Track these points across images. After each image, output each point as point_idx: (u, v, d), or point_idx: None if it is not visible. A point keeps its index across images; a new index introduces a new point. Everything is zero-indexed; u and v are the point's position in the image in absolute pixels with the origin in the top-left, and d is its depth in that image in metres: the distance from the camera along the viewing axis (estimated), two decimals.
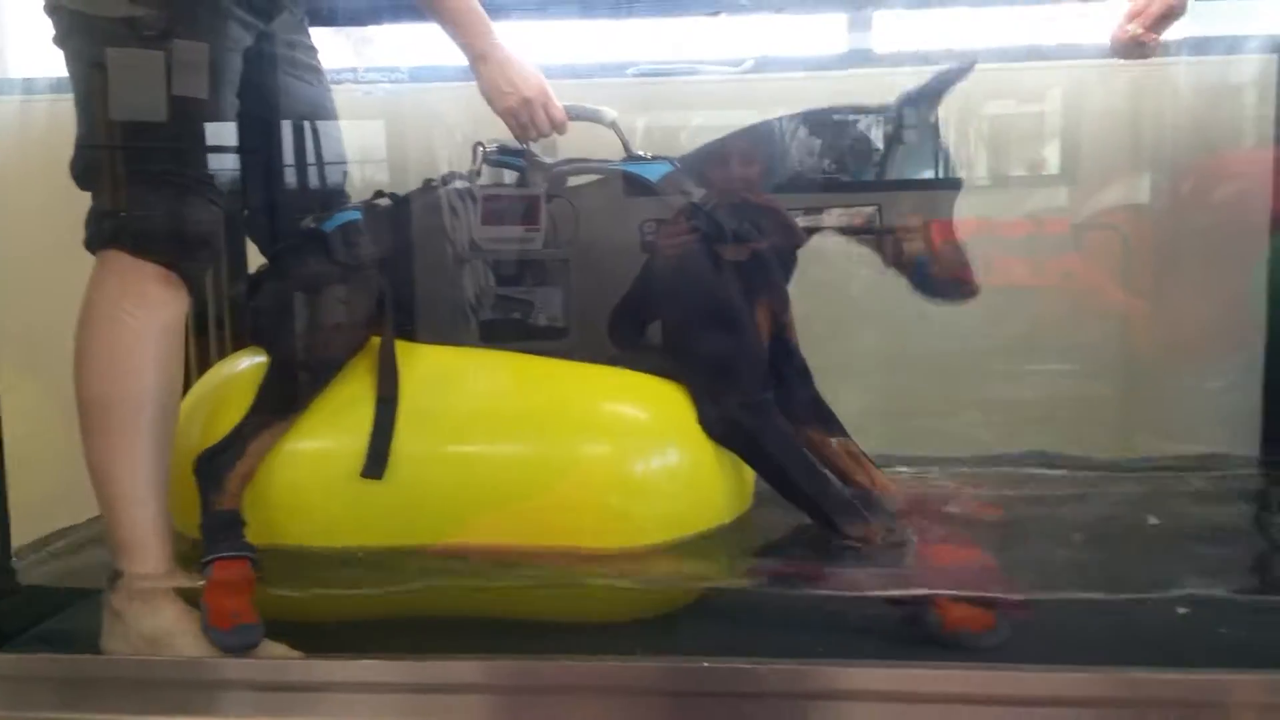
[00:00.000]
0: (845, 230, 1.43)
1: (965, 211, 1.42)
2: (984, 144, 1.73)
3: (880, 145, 1.40)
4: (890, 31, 1.66)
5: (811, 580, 1.32)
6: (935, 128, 1.40)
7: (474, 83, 1.56)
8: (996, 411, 1.77)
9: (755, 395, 1.40)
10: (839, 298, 1.70)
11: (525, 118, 1.46)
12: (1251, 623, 1.19)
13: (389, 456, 1.32)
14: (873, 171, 1.40)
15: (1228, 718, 1.07)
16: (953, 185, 1.43)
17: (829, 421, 1.49)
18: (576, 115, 1.49)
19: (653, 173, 1.44)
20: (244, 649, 1.21)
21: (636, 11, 1.61)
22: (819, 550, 1.37)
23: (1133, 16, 1.42)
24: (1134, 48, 1.42)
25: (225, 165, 1.36)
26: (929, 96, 1.39)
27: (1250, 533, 1.49)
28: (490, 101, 1.46)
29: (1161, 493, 1.57)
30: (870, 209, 1.42)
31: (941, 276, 1.40)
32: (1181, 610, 1.20)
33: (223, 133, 1.34)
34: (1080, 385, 1.81)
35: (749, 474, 1.44)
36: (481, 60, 1.45)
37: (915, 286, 1.42)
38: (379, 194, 1.50)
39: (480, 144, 1.49)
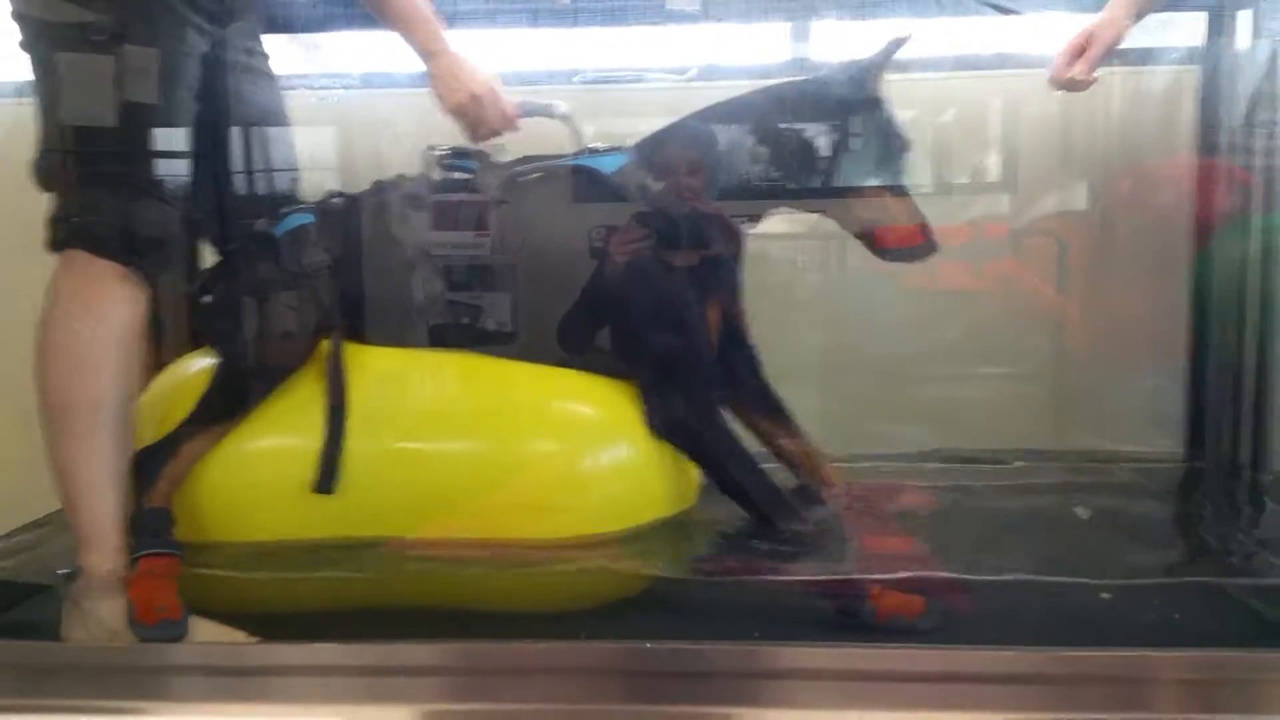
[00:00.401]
0: (802, 201, 1.45)
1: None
2: (925, 152, 1.79)
3: (834, 116, 1.42)
4: (829, 41, 1.72)
5: (750, 572, 1.35)
6: (880, 98, 1.42)
7: (424, 89, 1.60)
8: (935, 411, 1.83)
9: (701, 396, 1.43)
10: (782, 301, 1.74)
11: (474, 113, 1.47)
12: (1170, 605, 1.23)
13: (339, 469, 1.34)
14: (827, 142, 1.42)
15: (1148, 693, 1.11)
16: (903, 148, 1.44)
17: (776, 411, 1.53)
18: (528, 111, 1.50)
19: (608, 164, 1.46)
20: (168, 643, 1.21)
21: (582, 21, 1.64)
22: (761, 543, 1.40)
23: (1073, 58, 1.48)
24: (1073, 84, 1.49)
25: (183, 168, 1.36)
26: (875, 66, 1.41)
27: (1170, 523, 1.56)
28: (441, 99, 1.48)
29: (1089, 486, 1.63)
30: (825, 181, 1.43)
31: (899, 238, 1.43)
32: (1105, 595, 1.25)
33: (180, 136, 1.36)
34: (1016, 385, 1.87)
35: (694, 471, 1.47)
36: (432, 59, 1.47)
37: (875, 252, 1.44)
38: (332, 194, 1.51)
39: (431, 147, 1.50)
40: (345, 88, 1.75)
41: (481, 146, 1.50)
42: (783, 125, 1.43)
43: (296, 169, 1.59)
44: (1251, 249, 1.69)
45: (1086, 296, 1.88)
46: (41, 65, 1.33)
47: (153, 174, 1.33)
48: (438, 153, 1.50)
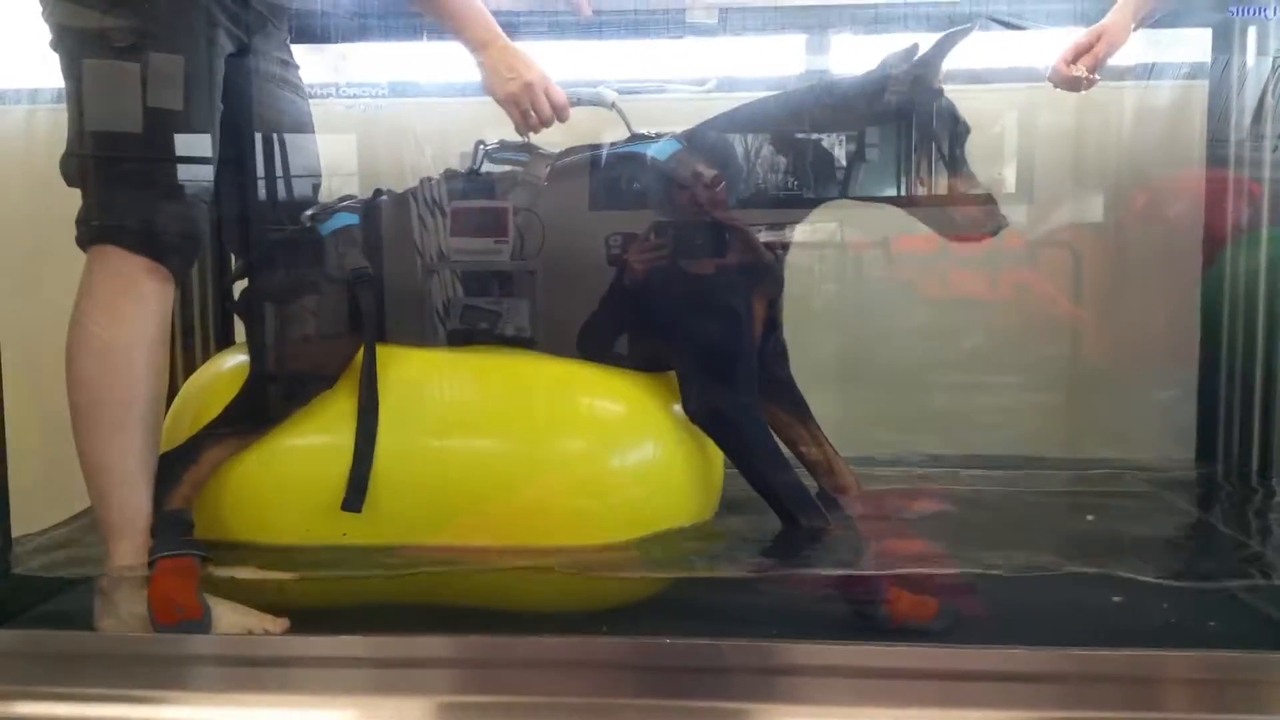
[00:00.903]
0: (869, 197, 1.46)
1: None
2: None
3: (896, 111, 1.43)
4: (847, 54, 1.75)
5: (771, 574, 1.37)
6: (940, 89, 1.43)
7: (446, 99, 1.62)
8: (949, 418, 1.85)
9: (742, 386, 1.43)
10: (798, 308, 1.76)
11: (526, 103, 1.47)
12: (1179, 606, 1.25)
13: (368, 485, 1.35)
14: (890, 132, 1.43)
15: (1158, 692, 1.12)
16: (965, 131, 1.45)
17: (799, 405, 1.54)
18: (577, 100, 1.50)
19: (661, 151, 1.46)
20: None
21: (605, 34, 1.67)
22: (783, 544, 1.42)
23: (1077, 55, 1.51)
24: (1074, 82, 1.51)
25: (206, 170, 1.39)
26: (935, 59, 1.41)
27: (1180, 529, 1.57)
28: (492, 89, 1.47)
29: (1102, 492, 1.65)
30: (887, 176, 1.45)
31: (975, 223, 1.45)
32: (1116, 598, 1.27)
33: (204, 139, 1.38)
34: (1030, 393, 1.89)
35: (718, 477, 1.49)
36: (483, 48, 1.46)
37: (944, 232, 1.46)
38: (379, 192, 1.52)
39: (481, 141, 1.50)
40: (373, 96, 1.77)
41: (530, 139, 1.50)
42: (843, 120, 1.44)
43: (318, 176, 1.62)
44: (1259, 261, 1.71)
45: (1100, 306, 1.91)
46: (68, 68, 1.36)
47: (177, 175, 1.36)
48: (487, 146, 1.50)
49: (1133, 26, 1.50)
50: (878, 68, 1.43)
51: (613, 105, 1.52)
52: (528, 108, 1.48)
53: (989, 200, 1.44)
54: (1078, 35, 1.52)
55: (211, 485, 1.38)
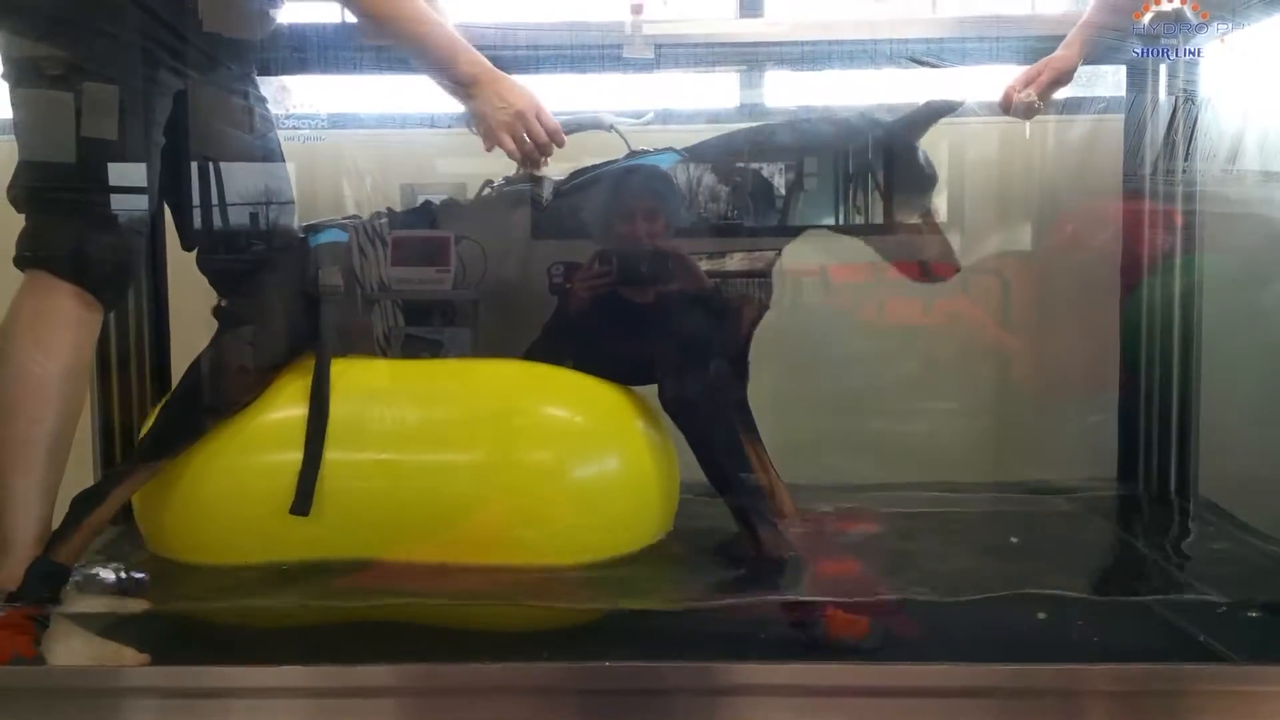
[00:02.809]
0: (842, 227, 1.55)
1: (862, 257, 1.55)
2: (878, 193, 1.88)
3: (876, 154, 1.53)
4: (780, 88, 1.80)
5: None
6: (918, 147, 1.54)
7: (384, 131, 1.63)
8: (883, 442, 1.90)
9: (721, 383, 1.49)
10: None
11: (520, 131, 1.47)
12: (1099, 623, 1.29)
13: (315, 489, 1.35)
14: (867, 176, 1.53)
15: (1080, 704, 1.16)
16: (931, 184, 1.57)
17: (750, 428, 1.58)
18: (574, 127, 1.53)
19: (664, 162, 1.52)
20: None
21: (544, 69, 1.70)
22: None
23: (1027, 83, 1.57)
24: (1024, 109, 1.57)
25: (142, 201, 1.40)
26: (918, 123, 1.53)
27: (1101, 547, 1.63)
28: (485, 121, 1.47)
29: (1027, 514, 1.71)
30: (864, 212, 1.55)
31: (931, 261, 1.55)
32: (1041, 615, 1.31)
33: (141, 170, 1.38)
34: (959, 418, 1.95)
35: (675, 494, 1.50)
36: (473, 84, 1.46)
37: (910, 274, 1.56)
38: (378, 214, 1.54)
39: (489, 181, 1.54)
40: (312, 128, 1.77)
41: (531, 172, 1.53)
42: (828, 152, 1.52)
43: (289, 202, 1.60)
44: (1173, 288, 1.77)
45: (1028, 332, 1.97)
46: (10, 96, 1.37)
47: (109, 205, 1.36)
48: (495, 184, 1.54)
49: (1079, 59, 1.56)
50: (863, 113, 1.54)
51: (611, 127, 1.56)
52: (522, 136, 1.47)
53: (947, 245, 1.55)
54: (999, 74, 1.59)
55: (157, 505, 1.39)
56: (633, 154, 1.56)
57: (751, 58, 1.74)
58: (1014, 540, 1.58)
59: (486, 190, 1.55)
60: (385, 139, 1.87)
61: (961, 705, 1.17)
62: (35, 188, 1.36)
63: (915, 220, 1.55)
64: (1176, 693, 1.15)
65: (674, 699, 1.17)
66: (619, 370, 1.50)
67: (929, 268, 1.55)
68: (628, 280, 1.49)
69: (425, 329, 1.51)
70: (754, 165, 1.52)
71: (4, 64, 1.37)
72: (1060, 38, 1.58)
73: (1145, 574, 1.50)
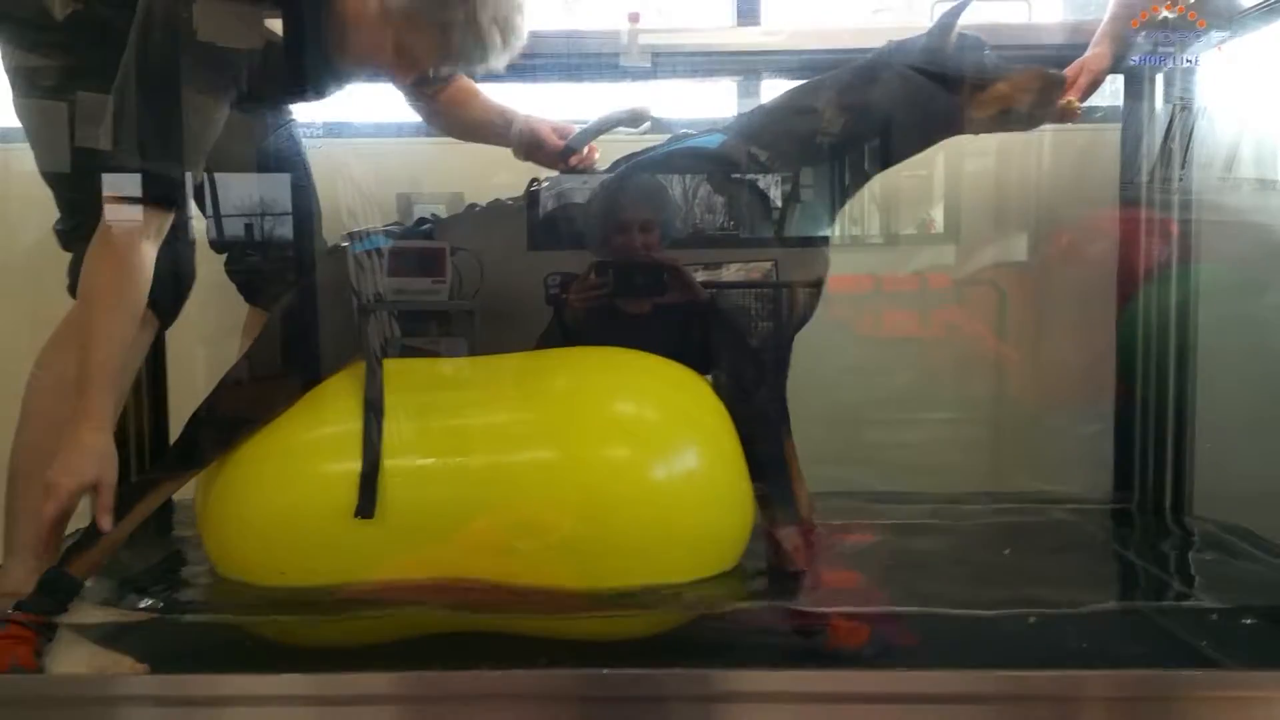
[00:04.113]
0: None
1: (859, 268, 1.56)
2: (876, 206, 1.90)
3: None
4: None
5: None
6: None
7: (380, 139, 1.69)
8: (880, 453, 1.91)
9: (776, 380, 1.49)
10: None
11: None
12: (1093, 630, 1.29)
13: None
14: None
15: (1076, 710, 1.17)
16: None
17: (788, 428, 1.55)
18: (607, 126, 1.58)
19: (712, 143, 1.52)
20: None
21: (541, 77, 1.71)
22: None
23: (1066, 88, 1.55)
24: (1063, 113, 1.54)
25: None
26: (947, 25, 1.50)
27: (1095, 557, 1.64)
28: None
29: (1023, 525, 1.72)
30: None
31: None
32: (1031, 619, 1.30)
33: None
34: (957, 429, 1.96)
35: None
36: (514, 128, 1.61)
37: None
38: (421, 220, 1.55)
39: (535, 179, 1.55)
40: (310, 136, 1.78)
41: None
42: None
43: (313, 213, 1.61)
44: (1169, 300, 1.78)
45: (1024, 344, 1.98)
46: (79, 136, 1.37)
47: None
48: (544, 183, 1.55)
49: (1112, 59, 1.55)
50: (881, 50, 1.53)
51: (647, 116, 1.58)
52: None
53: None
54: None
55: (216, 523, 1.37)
56: (676, 137, 1.56)
57: (748, 67, 1.76)
58: (1006, 552, 1.58)
59: (534, 188, 1.54)
60: (382, 148, 1.87)
61: (958, 711, 1.17)
62: (79, 221, 1.37)
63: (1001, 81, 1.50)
64: (1172, 698, 1.16)
65: (673, 706, 1.18)
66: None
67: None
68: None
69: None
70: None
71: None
72: (1057, 46, 1.60)
73: (1138, 583, 1.51)
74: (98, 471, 1.26)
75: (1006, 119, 1.52)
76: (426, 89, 1.58)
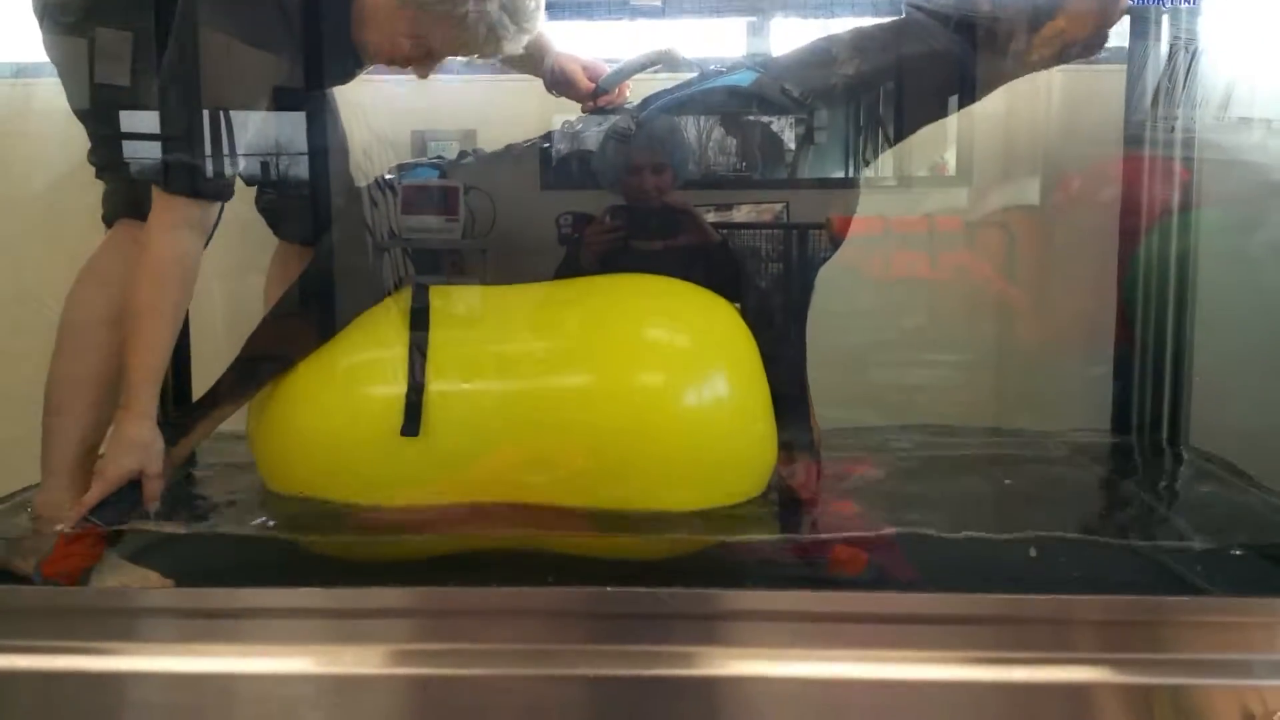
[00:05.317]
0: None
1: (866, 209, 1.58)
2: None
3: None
4: (785, 37, 1.81)
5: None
6: None
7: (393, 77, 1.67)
8: (891, 390, 1.93)
9: (799, 308, 1.52)
10: None
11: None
12: (1088, 559, 1.33)
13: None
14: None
15: (1072, 632, 1.21)
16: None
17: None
18: (639, 67, 1.59)
19: (744, 80, 1.53)
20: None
21: (552, 15, 1.71)
22: None
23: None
24: None
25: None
26: None
27: (1094, 491, 1.68)
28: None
29: (1026, 458, 1.75)
30: None
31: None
32: (1032, 552, 1.34)
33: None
34: (963, 369, 1.98)
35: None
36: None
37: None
38: (463, 153, 1.58)
39: (567, 120, 1.57)
40: None
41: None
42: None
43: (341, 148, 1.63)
44: (1170, 245, 1.80)
45: (1034, 286, 1.99)
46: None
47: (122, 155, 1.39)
48: (574, 121, 1.57)
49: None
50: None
51: (674, 55, 1.59)
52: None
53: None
54: None
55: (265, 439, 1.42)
56: (706, 75, 1.57)
57: (758, 5, 1.76)
58: (1007, 482, 1.62)
59: (565, 126, 1.56)
60: (395, 86, 1.88)
61: (954, 631, 1.21)
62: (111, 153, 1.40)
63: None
64: (1160, 623, 1.20)
65: (672, 623, 1.21)
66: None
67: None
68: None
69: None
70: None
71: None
72: None
73: (1132, 515, 1.54)
74: (143, 462, 1.32)
75: (1069, 52, 1.52)
76: None
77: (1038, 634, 1.20)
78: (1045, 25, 1.49)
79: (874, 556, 1.33)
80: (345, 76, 1.52)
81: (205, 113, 1.34)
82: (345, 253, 1.51)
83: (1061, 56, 1.52)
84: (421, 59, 1.44)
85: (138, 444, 1.32)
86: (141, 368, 1.32)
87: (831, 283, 1.72)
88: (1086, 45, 1.51)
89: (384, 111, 1.77)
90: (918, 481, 1.60)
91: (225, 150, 1.35)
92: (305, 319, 1.48)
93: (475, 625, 1.22)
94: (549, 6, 1.67)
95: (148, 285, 1.32)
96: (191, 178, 1.33)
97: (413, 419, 1.36)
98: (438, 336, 1.40)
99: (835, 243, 1.55)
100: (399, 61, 1.45)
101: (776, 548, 1.37)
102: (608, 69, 1.63)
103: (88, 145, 1.45)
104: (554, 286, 1.49)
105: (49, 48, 1.42)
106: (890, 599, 1.23)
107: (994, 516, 1.48)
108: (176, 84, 1.32)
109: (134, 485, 1.33)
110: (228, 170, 1.36)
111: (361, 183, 1.57)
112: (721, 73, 1.56)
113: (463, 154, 1.59)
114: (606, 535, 1.38)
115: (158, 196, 1.32)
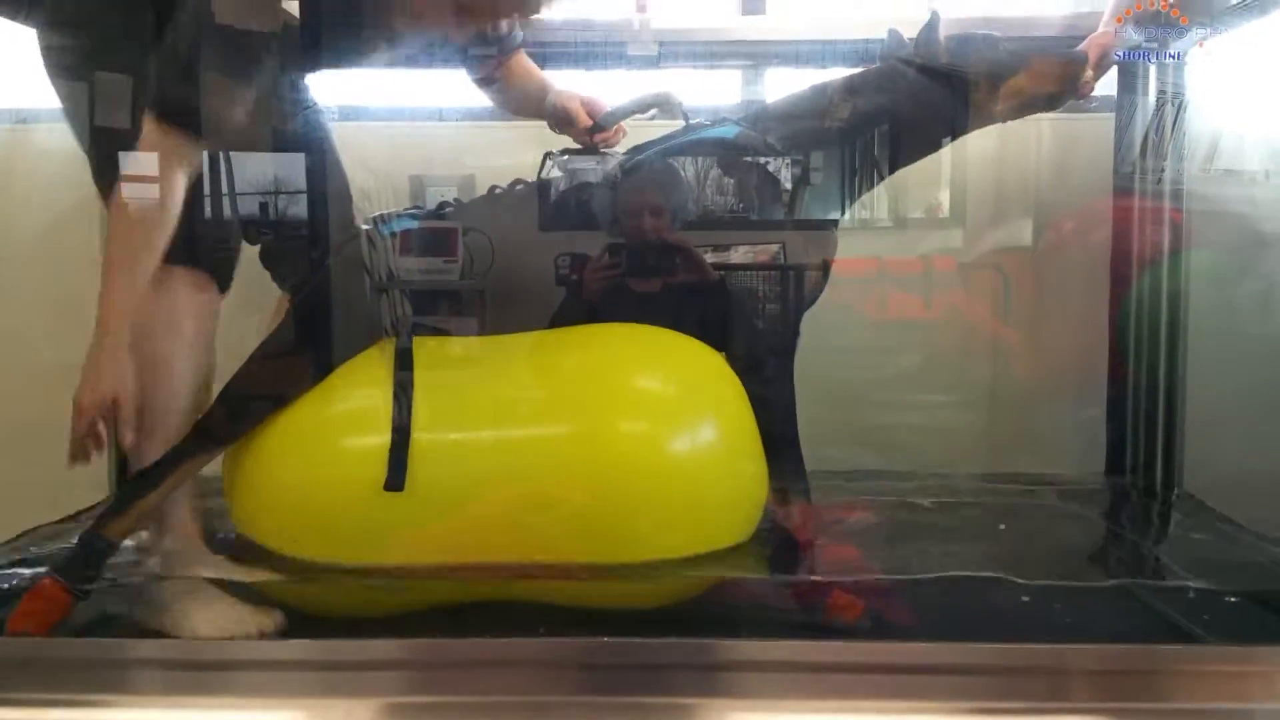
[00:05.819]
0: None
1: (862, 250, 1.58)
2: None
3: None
4: (777, 86, 1.84)
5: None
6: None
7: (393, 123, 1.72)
8: (881, 434, 1.93)
9: (787, 356, 1.52)
10: None
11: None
12: (1081, 605, 1.34)
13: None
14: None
15: (1067, 682, 1.19)
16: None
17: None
18: (637, 108, 1.62)
19: (728, 133, 1.56)
20: None
21: (551, 64, 1.73)
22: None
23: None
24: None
25: None
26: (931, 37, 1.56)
27: (1086, 535, 1.68)
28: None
29: (1017, 503, 1.75)
30: None
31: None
32: (1025, 599, 1.34)
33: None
34: (955, 411, 1.98)
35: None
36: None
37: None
38: (444, 203, 1.57)
39: (549, 152, 1.58)
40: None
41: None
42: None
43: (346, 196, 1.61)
44: (1160, 286, 1.81)
45: (1027, 327, 2.00)
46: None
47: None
48: (557, 157, 1.58)
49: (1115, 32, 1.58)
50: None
51: (674, 103, 1.62)
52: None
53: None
54: None
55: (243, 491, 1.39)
56: (690, 127, 1.58)
57: (754, 55, 1.78)
58: (1001, 528, 1.62)
59: (548, 163, 1.57)
60: (394, 131, 1.90)
61: (949, 682, 1.19)
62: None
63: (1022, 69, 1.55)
64: (1158, 672, 1.19)
65: (668, 674, 1.20)
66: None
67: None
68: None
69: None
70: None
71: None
72: (1054, 39, 1.62)
73: (1126, 560, 1.54)
74: (114, 387, 1.30)
75: (1032, 105, 1.57)
76: (490, 56, 1.62)
77: (1036, 684, 1.19)
78: (1007, 81, 1.53)
79: (871, 601, 1.33)
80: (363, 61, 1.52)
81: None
82: (335, 294, 1.50)
83: (1024, 110, 1.57)
84: (468, 21, 1.45)
85: (110, 372, 1.30)
86: (113, 293, 1.29)
87: (826, 322, 1.74)
88: (1050, 100, 1.57)
89: (382, 156, 1.79)
90: (914, 528, 1.60)
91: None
92: (288, 364, 1.45)
93: (467, 678, 1.21)
94: (548, 57, 1.70)
95: (123, 218, 1.31)
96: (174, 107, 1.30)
97: (397, 472, 1.32)
98: (421, 388, 1.36)
99: (819, 286, 1.56)
100: (447, 28, 1.45)
101: (775, 594, 1.37)
102: (607, 106, 1.65)
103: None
104: (539, 336, 1.48)
105: (55, 90, 1.40)
106: (889, 649, 1.22)
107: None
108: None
109: (103, 545, 1.33)
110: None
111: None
112: (707, 125, 1.58)
113: (443, 204, 1.58)
114: (595, 582, 1.37)
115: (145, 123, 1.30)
